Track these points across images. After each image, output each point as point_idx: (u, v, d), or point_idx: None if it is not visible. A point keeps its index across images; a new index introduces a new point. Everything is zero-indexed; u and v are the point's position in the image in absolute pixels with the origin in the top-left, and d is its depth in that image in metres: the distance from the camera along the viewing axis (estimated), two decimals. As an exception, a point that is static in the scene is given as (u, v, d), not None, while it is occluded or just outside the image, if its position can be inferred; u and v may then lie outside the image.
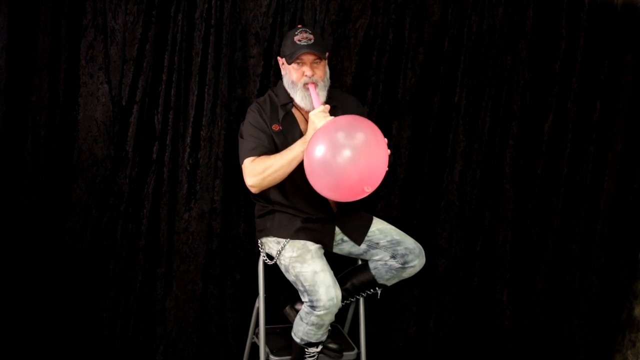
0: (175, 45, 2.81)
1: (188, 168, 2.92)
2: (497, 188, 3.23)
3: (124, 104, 2.81)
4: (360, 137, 2.29)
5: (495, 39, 3.08)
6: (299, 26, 2.63)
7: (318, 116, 2.40)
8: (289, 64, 2.53)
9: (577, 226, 3.30)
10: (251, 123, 2.57)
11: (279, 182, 2.51)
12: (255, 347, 2.85)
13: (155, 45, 2.80)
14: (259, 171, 2.47)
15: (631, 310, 3.34)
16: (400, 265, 2.65)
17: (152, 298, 2.99)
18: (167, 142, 2.87)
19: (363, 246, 2.69)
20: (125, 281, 2.94)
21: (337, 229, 2.67)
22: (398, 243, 2.66)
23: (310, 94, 2.53)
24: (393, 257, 2.65)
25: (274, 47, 2.91)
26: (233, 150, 2.95)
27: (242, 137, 2.58)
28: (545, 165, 3.23)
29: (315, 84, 2.53)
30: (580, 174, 3.26)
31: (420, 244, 2.70)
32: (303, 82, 2.54)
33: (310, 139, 2.33)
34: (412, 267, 2.65)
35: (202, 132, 2.90)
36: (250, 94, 2.93)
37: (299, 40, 2.50)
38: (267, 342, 2.73)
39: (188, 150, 2.90)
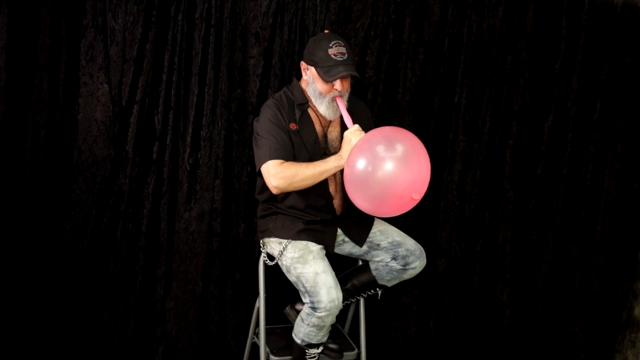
0: (175, 45, 2.81)
1: (188, 168, 2.91)
2: (497, 188, 3.23)
3: (124, 104, 2.81)
4: (400, 148, 2.30)
5: (495, 39, 3.09)
6: (326, 32, 2.60)
7: (355, 134, 2.44)
8: (327, 82, 2.51)
9: (577, 226, 3.30)
10: (271, 120, 2.54)
11: (302, 189, 2.52)
12: (255, 347, 2.85)
13: (155, 45, 2.80)
14: (289, 175, 2.46)
15: (631, 310, 3.34)
16: (401, 267, 2.65)
17: (152, 298, 2.99)
18: (167, 142, 2.87)
19: (364, 247, 2.69)
20: (125, 281, 2.94)
21: (338, 230, 2.67)
22: (399, 244, 2.66)
23: (336, 105, 2.55)
24: (394, 258, 2.65)
25: (274, 47, 2.91)
26: (233, 150, 2.96)
27: (259, 135, 2.55)
28: (545, 165, 3.23)
29: (341, 96, 2.55)
30: (580, 174, 3.26)
31: (420, 244, 2.70)
32: (332, 95, 2.54)
33: (351, 155, 2.34)
34: (413, 268, 2.65)
35: (202, 132, 2.90)
36: (250, 94, 2.93)
37: (335, 55, 2.49)
38: (267, 342, 2.73)
39: (188, 150, 2.90)
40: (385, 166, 2.27)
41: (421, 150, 2.36)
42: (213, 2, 2.80)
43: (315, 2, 2.90)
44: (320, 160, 2.51)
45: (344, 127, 2.62)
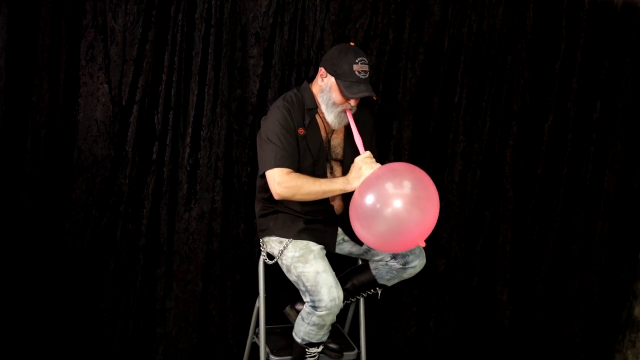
0: (175, 45, 2.81)
1: (188, 168, 2.91)
2: (497, 188, 3.23)
3: (124, 104, 2.81)
4: (412, 191, 2.28)
5: (495, 39, 3.09)
6: (352, 44, 2.58)
7: (365, 162, 2.43)
8: (347, 98, 2.50)
9: (577, 226, 3.30)
10: (280, 123, 2.52)
11: (303, 201, 2.52)
12: (255, 347, 2.85)
13: (155, 45, 2.80)
14: (293, 186, 2.45)
15: (631, 310, 3.34)
16: (401, 266, 2.65)
17: (152, 298, 2.99)
18: (167, 142, 2.87)
19: (364, 246, 2.69)
20: (125, 281, 2.94)
21: (339, 230, 2.67)
22: (399, 244, 2.66)
23: (344, 116, 2.55)
24: (394, 257, 2.65)
25: (274, 47, 2.91)
26: (233, 150, 2.95)
27: (267, 137, 2.52)
28: (545, 165, 3.23)
29: (351, 110, 2.55)
30: (580, 174, 3.26)
31: (420, 243, 2.71)
32: (344, 107, 2.54)
33: (360, 188, 2.33)
34: (412, 267, 2.65)
35: (202, 132, 2.90)
36: (250, 94, 2.93)
37: (359, 72, 2.47)
38: (267, 342, 2.73)
39: (188, 150, 2.90)
40: (398, 217, 2.25)
41: (434, 195, 2.34)
42: (213, 2, 2.80)
43: (315, 2, 2.90)
44: (327, 179, 2.50)
45: (347, 135, 2.63)
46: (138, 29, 2.77)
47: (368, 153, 2.46)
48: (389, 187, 2.29)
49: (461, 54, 3.08)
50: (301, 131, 2.55)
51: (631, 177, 3.30)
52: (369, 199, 2.28)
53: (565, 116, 3.21)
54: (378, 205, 2.26)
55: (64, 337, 2.91)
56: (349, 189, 2.44)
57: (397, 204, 2.26)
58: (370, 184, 2.33)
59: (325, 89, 2.56)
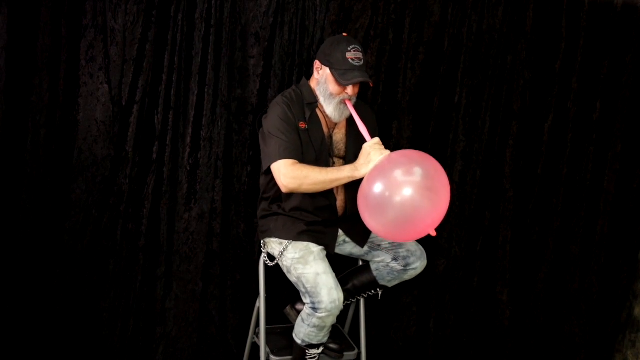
0: (175, 45, 2.81)
1: (188, 168, 2.91)
2: (497, 188, 3.23)
3: (124, 104, 2.81)
4: (422, 179, 2.22)
5: (495, 39, 3.09)
6: (345, 35, 2.57)
7: (374, 148, 2.40)
8: (341, 86, 2.50)
9: (577, 226, 3.30)
10: (280, 118, 2.51)
11: (311, 192, 2.50)
12: (255, 347, 2.85)
13: (155, 45, 2.80)
14: (299, 176, 2.44)
15: (631, 310, 3.34)
16: (402, 268, 2.64)
17: (152, 298, 2.99)
18: (167, 142, 2.87)
19: (365, 248, 2.69)
20: (125, 281, 2.94)
21: (339, 231, 2.67)
22: (400, 245, 2.65)
23: (344, 108, 2.54)
24: (395, 259, 2.65)
25: (274, 47, 2.91)
26: (233, 150, 2.95)
27: (269, 132, 2.52)
28: (545, 165, 3.23)
29: (350, 100, 2.54)
30: (580, 174, 3.26)
31: (421, 244, 2.70)
32: (342, 97, 2.53)
33: (370, 175, 2.29)
34: (413, 269, 2.65)
35: (202, 132, 2.90)
36: (250, 94, 2.93)
37: (352, 60, 2.47)
38: (267, 342, 2.73)
39: (188, 150, 2.90)
40: (408, 205, 2.20)
41: (445, 183, 2.29)
42: (213, 2, 2.80)
43: (315, 2, 2.90)
44: (334, 168, 2.48)
45: (350, 130, 2.62)
46: (138, 29, 2.77)
47: (377, 139, 2.43)
48: (399, 174, 2.22)
49: (461, 54, 3.08)
50: (302, 125, 2.55)
51: (631, 177, 3.30)
52: (378, 187, 2.22)
53: (565, 116, 3.21)
54: (387, 193, 2.20)
55: (64, 337, 2.91)
56: (357, 176, 2.41)
57: (407, 191, 2.19)
58: (379, 171, 2.27)
59: (321, 81, 2.56)
